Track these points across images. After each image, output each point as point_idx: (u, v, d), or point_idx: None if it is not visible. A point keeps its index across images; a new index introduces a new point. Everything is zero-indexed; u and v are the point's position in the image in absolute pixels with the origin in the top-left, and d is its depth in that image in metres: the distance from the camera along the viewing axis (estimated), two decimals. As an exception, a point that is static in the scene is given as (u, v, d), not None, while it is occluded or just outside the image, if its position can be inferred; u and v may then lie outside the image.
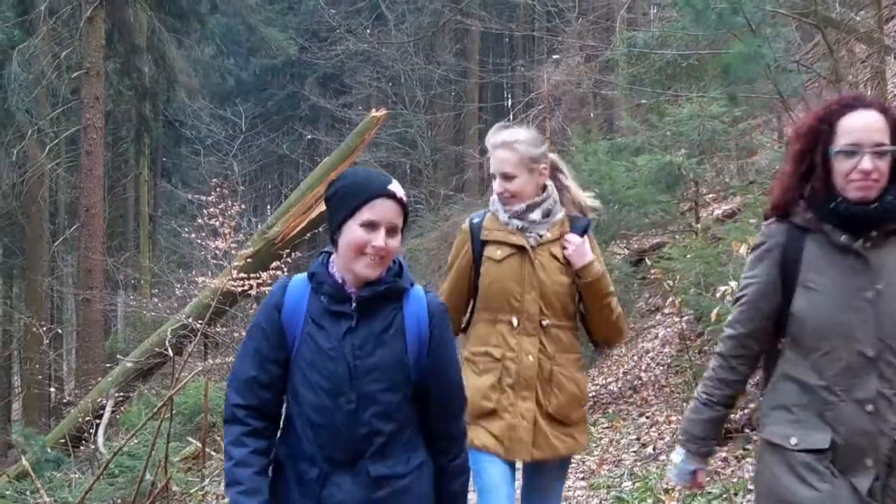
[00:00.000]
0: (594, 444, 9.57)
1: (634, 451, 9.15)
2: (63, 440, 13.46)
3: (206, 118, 29.20)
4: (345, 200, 3.34)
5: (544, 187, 4.75)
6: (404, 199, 3.31)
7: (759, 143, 12.52)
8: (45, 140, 21.50)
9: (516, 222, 4.67)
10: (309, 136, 33.08)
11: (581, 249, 4.66)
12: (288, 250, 13.07)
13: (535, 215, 4.65)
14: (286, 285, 3.47)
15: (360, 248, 3.24)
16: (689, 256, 9.00)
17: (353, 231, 3.26)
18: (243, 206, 13.89)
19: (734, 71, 10.15)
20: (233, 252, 12.26)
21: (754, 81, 10.58)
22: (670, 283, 8.74)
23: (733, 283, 7.88)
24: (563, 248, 4.71)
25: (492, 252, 4.68)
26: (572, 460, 5.65)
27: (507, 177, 4.65)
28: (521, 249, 4.64)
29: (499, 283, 4.64)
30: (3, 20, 21.56)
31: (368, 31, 30.10)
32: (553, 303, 4.64)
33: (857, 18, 12.46)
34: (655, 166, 10.87)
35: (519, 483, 4.72)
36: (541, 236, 4.67)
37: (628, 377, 12.35)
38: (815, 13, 10.91)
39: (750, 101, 11.41)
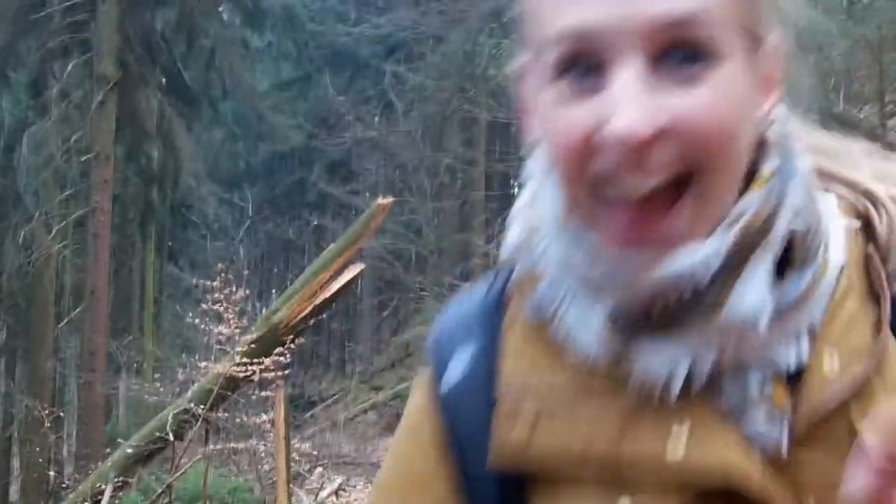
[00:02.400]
0: None
1: None
2: (60, 525, 13.33)
3: (214, 202, 29.35)
4: None
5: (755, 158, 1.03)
6: None
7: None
8: (52, 222, 21.60)
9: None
10: (315, 222, 33.27)
11: None
12: (292, 336, 13.05)
13: (757, 291, 0.99)
14: None
15: None
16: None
17: None
18: (248, 292, 13.90)
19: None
20: (236, 337, 12.25)
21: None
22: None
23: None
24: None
25: None
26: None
27: (687, 41, 0.94)
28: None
29: None
30: (15, 102, 21.81)
31: (377, 118, 30.38)
32: None
33: (861, 116, 12.58)
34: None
35: None
36: (790, 379, 1.03)
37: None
38: (818, 108, 11.03)
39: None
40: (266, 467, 14.25)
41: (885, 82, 12.67)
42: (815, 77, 11.47)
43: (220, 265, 13.16)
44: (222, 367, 12.21)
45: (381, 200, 14.84)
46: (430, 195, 28.24)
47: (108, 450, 15.97)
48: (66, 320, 24.03)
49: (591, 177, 0.96)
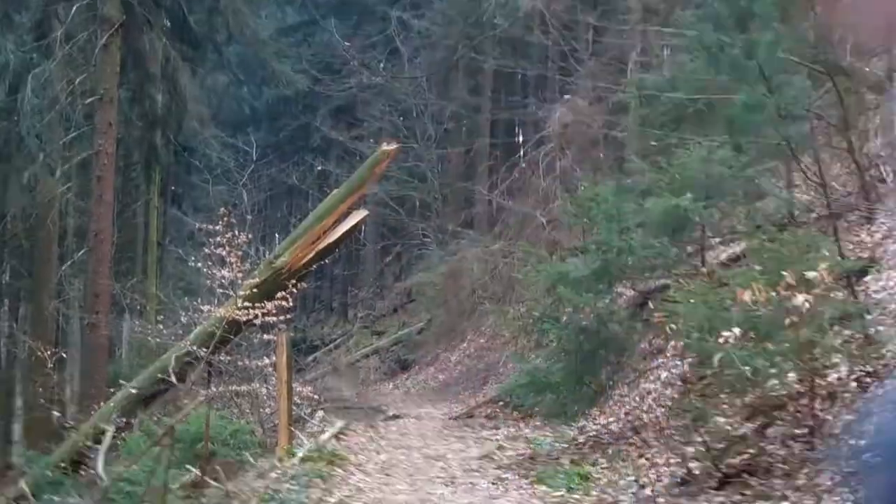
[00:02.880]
0: (592, 485, 9.55)
1: (633, 493, 9.11)
2: (63, 464, 13.46)
3: (218, 146, 29.29)
4: None
5: None
6: None
7: (767, 189, 12.52)
8: (56, 164, 21.57)
9: None
10: (319, 168, 33.26)
11: None
12: (295, 280, 13.11)
13: None
14: None
15: None
16: (692, 301, 8.95)
17: None
18: (250, 236, 13.94)
19: (739, 121, 10.22)
20: (239, 281, 12.31)
21: (760, 131, 10.62)
22: (673, 326, 8.73)
23: (737, 330, 7.88)
24: None
25: None
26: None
27: None
28: None
29: None
30: (19, 44, 21.70)
31: (382, 65, 30.25)
32: None
33: (867, 69, 12.53)
34: (662, 209, 10.85)
35: None
36: None
37: (629, 417, 12.32)
38: (825, 61, 10.98)
39: (757, 147, 11.42)
40: (268, 410, 14.36)
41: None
42: (822, 30, 11.41)
43: (223, 209, 13.16)
44: (225, 311, 12.28)
45: (385, 146, 14.83)
46: (434, 142, 28.20)
47: (111, 390, 16.10)
48: (69, 262, 24.09)
49: None
